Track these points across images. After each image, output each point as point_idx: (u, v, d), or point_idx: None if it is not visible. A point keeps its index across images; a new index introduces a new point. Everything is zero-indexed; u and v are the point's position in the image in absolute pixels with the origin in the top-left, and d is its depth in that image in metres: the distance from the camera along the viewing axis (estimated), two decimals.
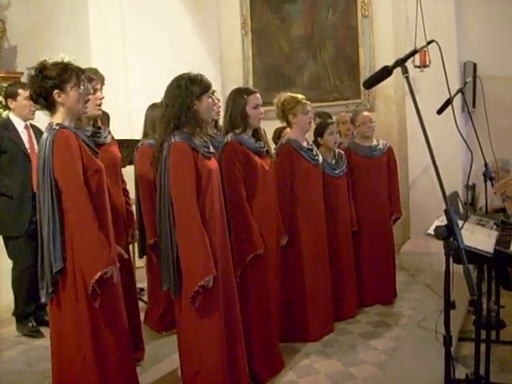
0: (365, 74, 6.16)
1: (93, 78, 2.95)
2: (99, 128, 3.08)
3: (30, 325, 3.85)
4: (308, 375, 3.18)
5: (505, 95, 5.36)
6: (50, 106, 2.44)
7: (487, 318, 3.06)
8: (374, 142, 4.44)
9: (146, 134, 3.76)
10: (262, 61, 6.94)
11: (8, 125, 3.77)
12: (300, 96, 3.71)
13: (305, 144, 3.69)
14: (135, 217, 3.56)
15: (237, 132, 3.11)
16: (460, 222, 2.05)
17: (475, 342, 2.79)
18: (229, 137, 3.10)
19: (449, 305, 2.03)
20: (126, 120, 5.30)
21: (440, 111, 3.40)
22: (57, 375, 2.46)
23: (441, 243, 1.83)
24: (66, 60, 2.44)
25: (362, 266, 4.33)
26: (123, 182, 3.31)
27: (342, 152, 4.22)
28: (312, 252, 3.65)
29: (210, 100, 2.64)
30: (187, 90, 2.54)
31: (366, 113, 4.50)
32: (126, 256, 3.03)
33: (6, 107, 4.78)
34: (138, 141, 3.84)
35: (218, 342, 2.59)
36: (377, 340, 3.66)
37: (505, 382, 3.00)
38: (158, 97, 2.87)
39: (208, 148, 2.64)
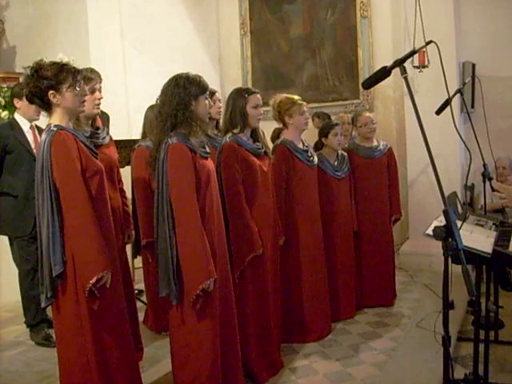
0: (364, 74, 6.16)
1: (91, 77, 2.94)
2: (97, 129, 3.07)
3: (43, 333, 3.69)
4: (307, 375, 3.18)
5: (503, 95, 5.36)
6: (47, 107, 2.42)
7: (486, 318, 3.07)
8: (375, 143, 4.43)
9: (144, 135, 3.75)
10: (260, 61, 6.94)
11: (13, 125, 3.76)
12: (296, 97, 3.70)
13: (300, 145, 3.68)
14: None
15: (235, 131, 3.11)
16: (459, 223, 2.06)
17: (474, 342, 2.79)
18: (227, 138, 3.09)
19: (448, 305, 2.03)
20: (126, 120, 5.30)
21: (439, 111, 3.41)
22: (62, 379, 2.45)
23: (440, 243, 1.83)
24: (65, 60, 2.42)
25: (362, 266, 4.34)
26: (120, 182, 3.29)
27: (345, 154, 4.21)
28: (309, 252, 3.65)
29: (206, 102, 2.62)
30: (185, 89, 2.51)
31: (367, 113, 4.48)
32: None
33: (6, 107, 4.80)
34: (136, 141, 3.84)
35: (213, 349, 2.54)
36: (376, 340, 3.66)
37: (503, 382, 3.00)
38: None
39: (204, 148, 2.61)
